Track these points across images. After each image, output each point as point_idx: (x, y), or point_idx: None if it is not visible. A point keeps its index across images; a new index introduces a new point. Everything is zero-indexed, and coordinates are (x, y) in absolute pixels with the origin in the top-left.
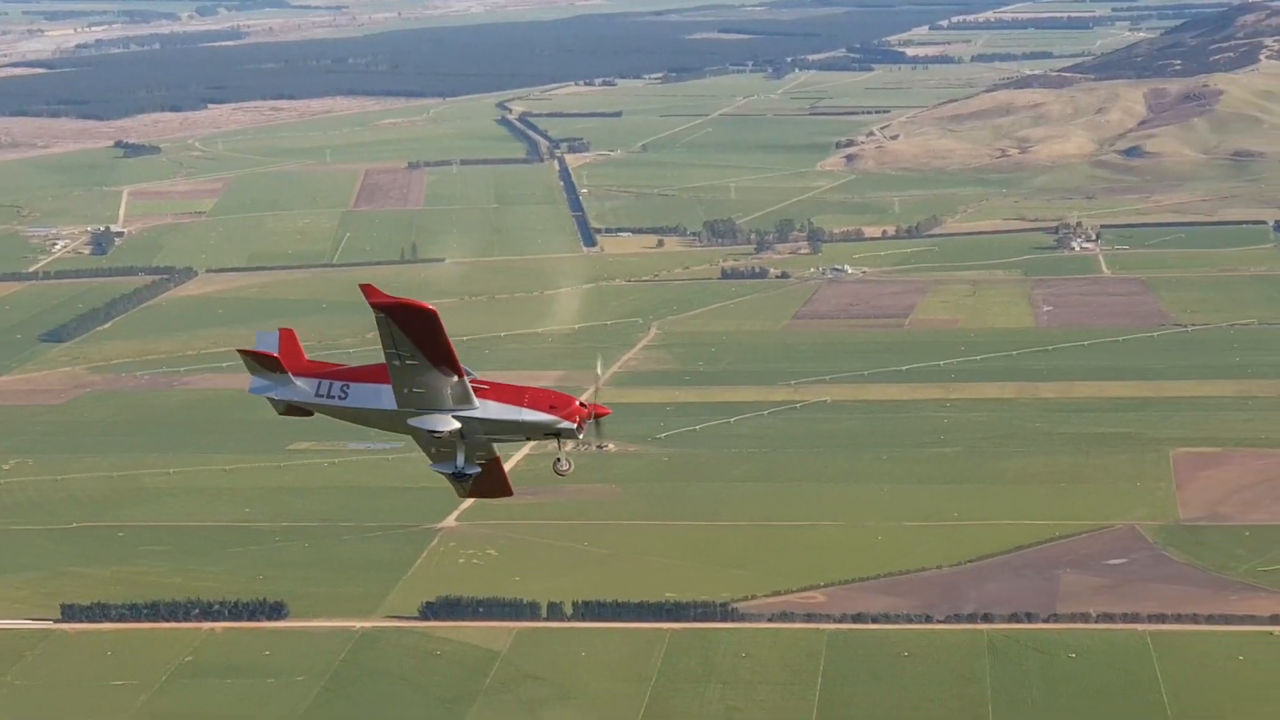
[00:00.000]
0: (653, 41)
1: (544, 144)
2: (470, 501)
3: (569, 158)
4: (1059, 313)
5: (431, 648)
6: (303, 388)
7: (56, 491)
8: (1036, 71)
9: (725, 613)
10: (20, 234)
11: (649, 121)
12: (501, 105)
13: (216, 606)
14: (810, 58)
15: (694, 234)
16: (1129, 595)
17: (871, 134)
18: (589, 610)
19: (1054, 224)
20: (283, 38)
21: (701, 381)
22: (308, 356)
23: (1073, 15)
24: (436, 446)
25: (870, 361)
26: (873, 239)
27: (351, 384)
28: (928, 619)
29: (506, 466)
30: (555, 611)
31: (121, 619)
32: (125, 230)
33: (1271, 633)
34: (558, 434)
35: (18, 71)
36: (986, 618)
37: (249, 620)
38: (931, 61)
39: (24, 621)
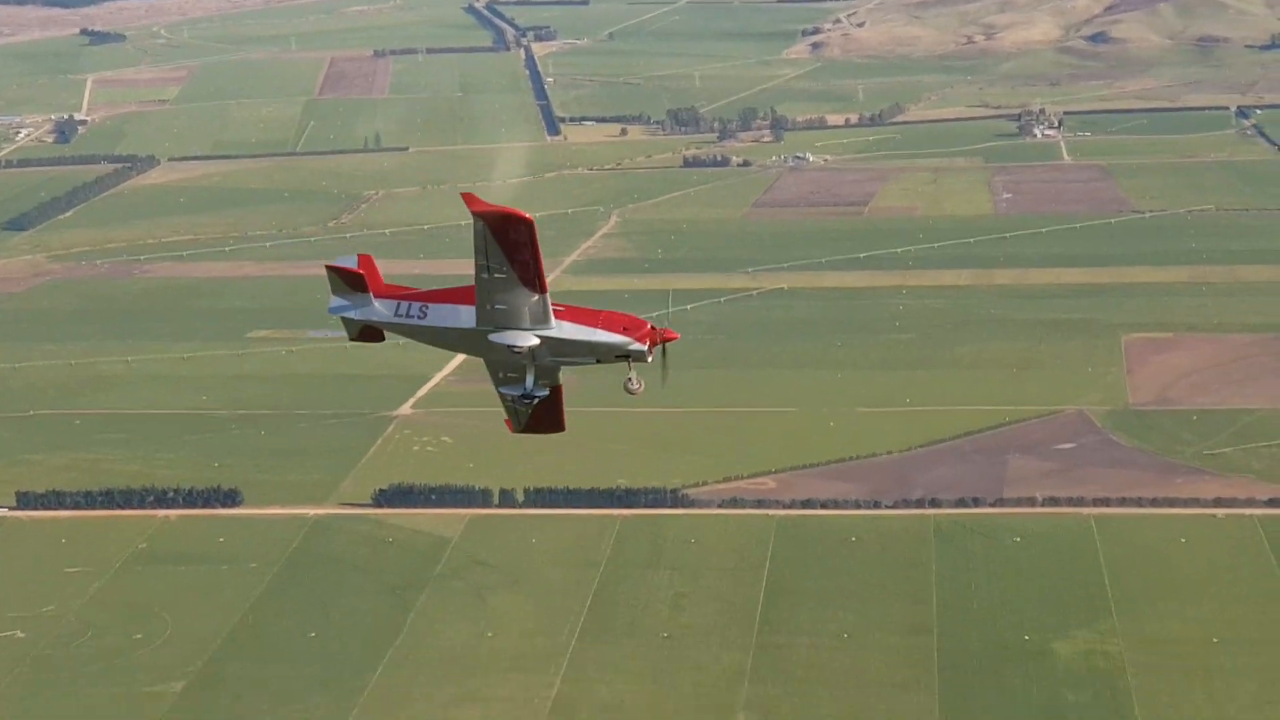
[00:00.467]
0: None
1: (510, 32)
2: (426, 388)
3: (535, 46)
4: (1018, 200)
5: (384, 535)
6: (381, 309)
7: (14, 379)
8: None
9: (676, 499)
10: None
11: (616, 9)
12: None
13: (171, 494)
14: None
15: (657, 123)
16: (1076, 480)
17: (838, 21)
18: (540, 497)
19: (1017, 111)
20: None
21: (660, 269)
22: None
23: None
24: (505, 370)
25: (829, 249)
26: (835, 127)
27: (430, 304)
28: (876, 504)
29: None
30: (507, 499)
31: (76, 506)
32: (89, 118)
33: (1214, 515)
34: (628, 355)
35: None
36: (934, 503)
37: (203, 507)
38: None
39: None
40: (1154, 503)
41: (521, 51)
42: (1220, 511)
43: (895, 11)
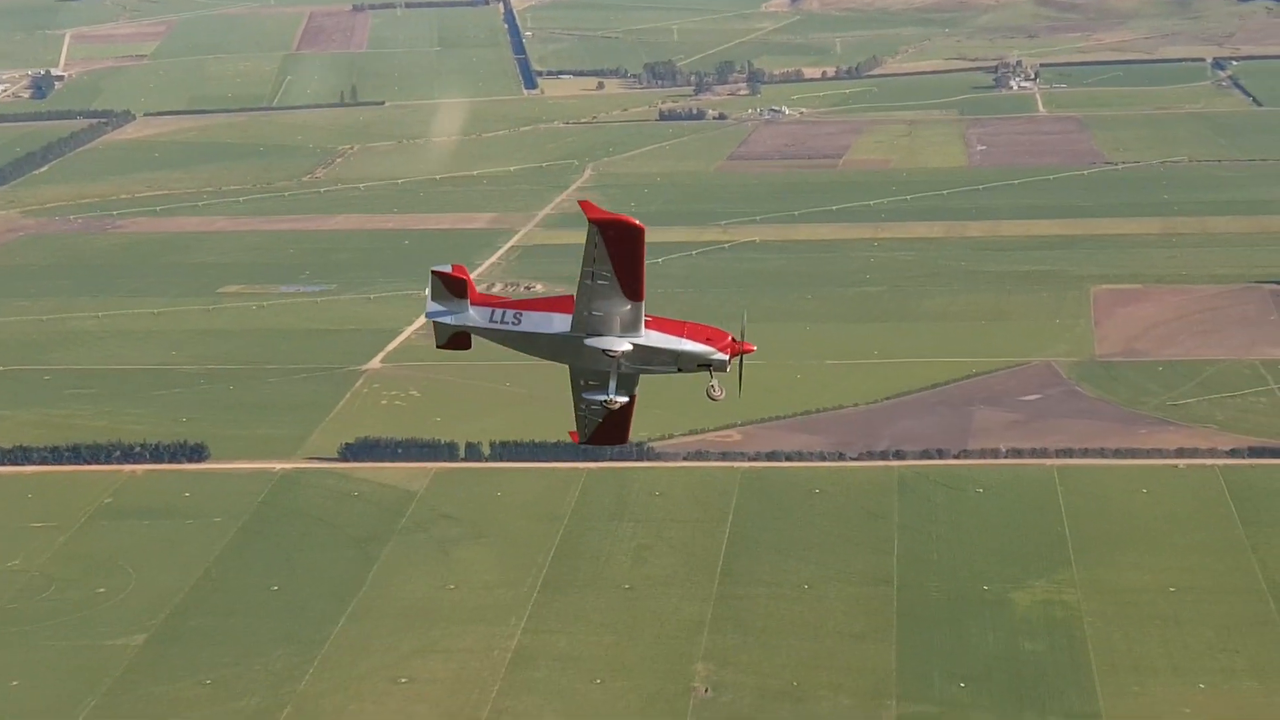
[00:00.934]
0: None
1: None
2: (396, 342)
3: (514, 0)
4: (992, 152)
5: (350, 489)
6: (476, 315)
7: None
8: None
9: (641, 452)
10: None
11: None
12: None
13: (137, 449)
14: None
15: (634, 76)
16: (1040, 431)
17: None
18: (507, 451)
19: (994, 63)
20: None
21: None
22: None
23: None
24: (587, 378)
25: (801, 202)
26: (812, 80)
27: (524, 312)
28: (841, 456)
29: None
30: (473, 452)
31: (43, 462)
32: (65, 74)
33: (1176, 465)
34: (709, 365)
35: None
36: (898, 454)
37: (170, 462)
38: None
39: None
40: (1116, 453)
41: (500, 5)
42: (1182, 462)
43: None
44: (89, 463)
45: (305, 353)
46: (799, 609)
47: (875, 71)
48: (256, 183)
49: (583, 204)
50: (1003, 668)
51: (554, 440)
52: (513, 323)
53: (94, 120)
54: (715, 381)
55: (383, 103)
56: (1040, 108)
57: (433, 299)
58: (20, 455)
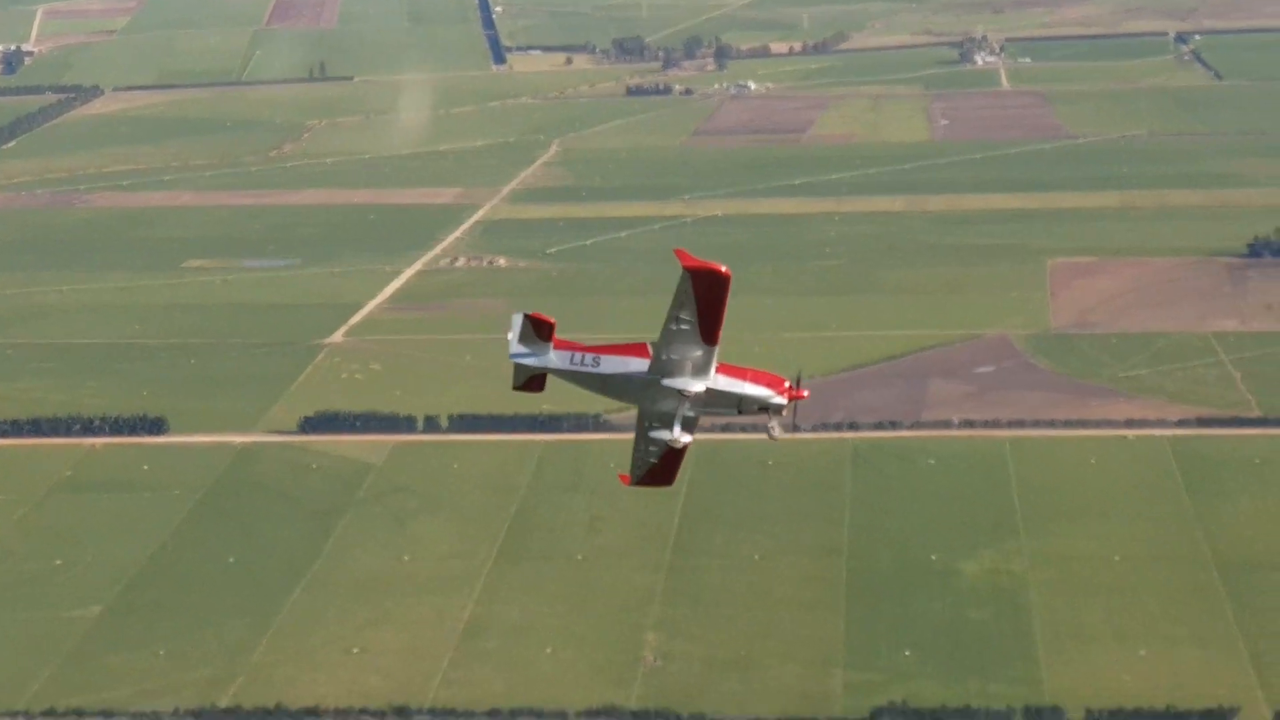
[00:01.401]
0: None
1: None
2: (359, 316)
3: None
4: (955, 126)
5: (308, 462)
6: (556, 359)
7: None
8: None
9: (598, 424)
10: None
11: None
12: None
13: (97, 422)
14: None
15: (603, 52)
16: (993, 402)
17: None
18: (465, 424)
19: (959, 38)
20: None
21: (596, 197)
22: None
23: None
24: (653, 419)
25: (765, 176)
26: (779, 55)
27: (602, 355)
28: (795, 428)
29: None
30: (432, 425)
31: (3, 435)
32: (35, 49)
33: (1125, 436)
34: (768, 407)
35: None
36: (853, 426)
37: (129, 435)
38: None
39: None
40: (1067, 424)
41: None
42: (1131, 433)
43: None
44: (49, 436)
45: (268, 327)
46: (750, 580)
47: (842, 46)
48: (223, 157)
49: (678, 252)
50: (948, 636)
51: (511, 413)
52: (592, 365)
53: (63, 95)
54: (774, 422)
55: (351, 78)
56: (1004, 82)
57: (519, 341)
58: None
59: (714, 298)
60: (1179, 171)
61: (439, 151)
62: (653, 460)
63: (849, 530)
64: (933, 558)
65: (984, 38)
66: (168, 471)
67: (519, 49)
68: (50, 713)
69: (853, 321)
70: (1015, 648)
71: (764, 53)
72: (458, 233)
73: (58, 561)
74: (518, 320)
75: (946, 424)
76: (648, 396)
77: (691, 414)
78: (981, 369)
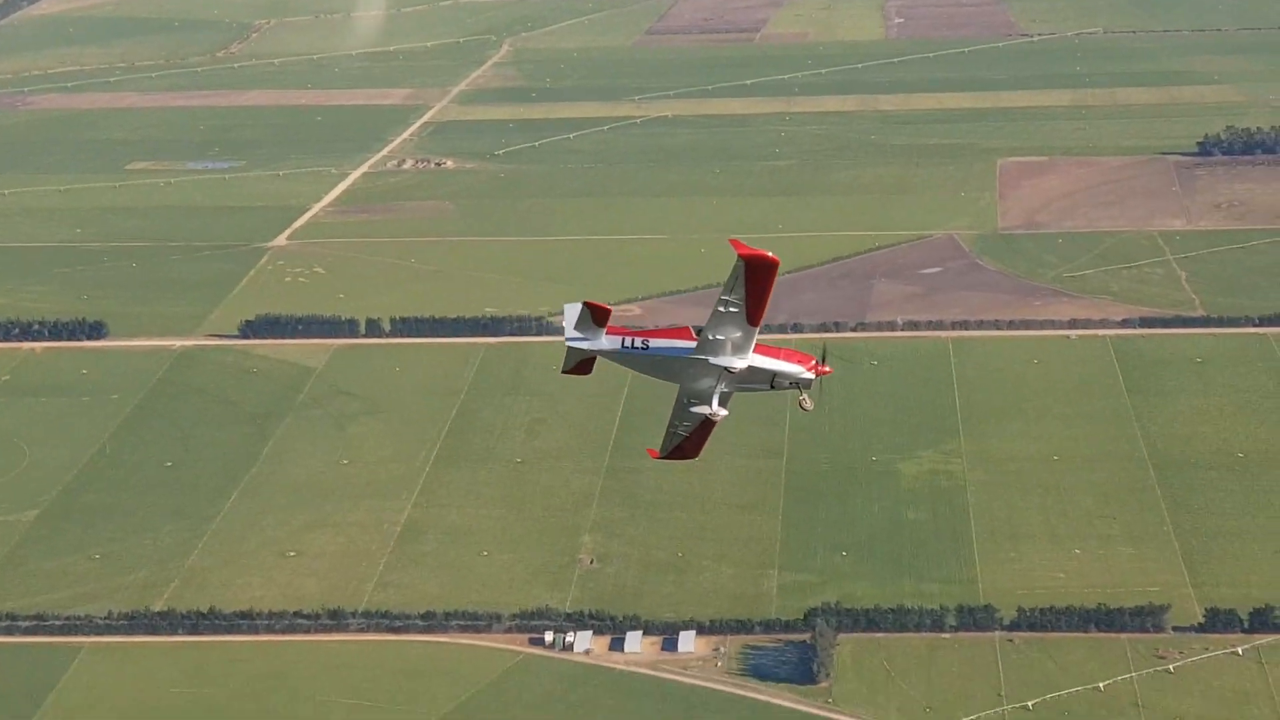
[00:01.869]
0: None
1: None
2: (304, 219)
3: None
4: (910, 25)
5: (249, 365)
6: (608, 343)
7: None
8: None
9: (541, 327)
10: None
11: None
12: None
13: (36, 326)
14: None
15: None
16: (938, 303)
17: None
18: (407, 327)
19: None
20: None
21: (546, 98)
22: None
23: None
24: (691, 396)
25: (717, 76)
26: None
27: (650, 339)
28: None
29: None
30: (374, 328)
31: None
32: None
33: (1068, 336)
34: (799, 383)
35: None
36: (796, 327)
37: (69, 340)
38: None
39: None
40: (1011, 325)
41: None
42: (1074, 333)
43: None
44: None
45: (211, 230)
46: (688, 482)
47: None
48: (170, 58)
49: (733, 241)
50: (885, 537)
51: (454, 316)
52: (642, 348)
53: None
54: (805, 395)
55: None
56: None
57: (575, 326)
58: None
59: (762, 282)
60: (1133, 69)
61: (389, 52)
62: (682, 434)
63: (790, 432)
64: (873, 459)
65: None
66: (107, 375)
67: None
68: None
69: (800, 222)
70: (951, 548)
71: None
72: (406, 134)
73: None
74: (575, 307)
75: (891, 325)
76: (691, 374)
77: (727, 390)
78: (928, 270)
